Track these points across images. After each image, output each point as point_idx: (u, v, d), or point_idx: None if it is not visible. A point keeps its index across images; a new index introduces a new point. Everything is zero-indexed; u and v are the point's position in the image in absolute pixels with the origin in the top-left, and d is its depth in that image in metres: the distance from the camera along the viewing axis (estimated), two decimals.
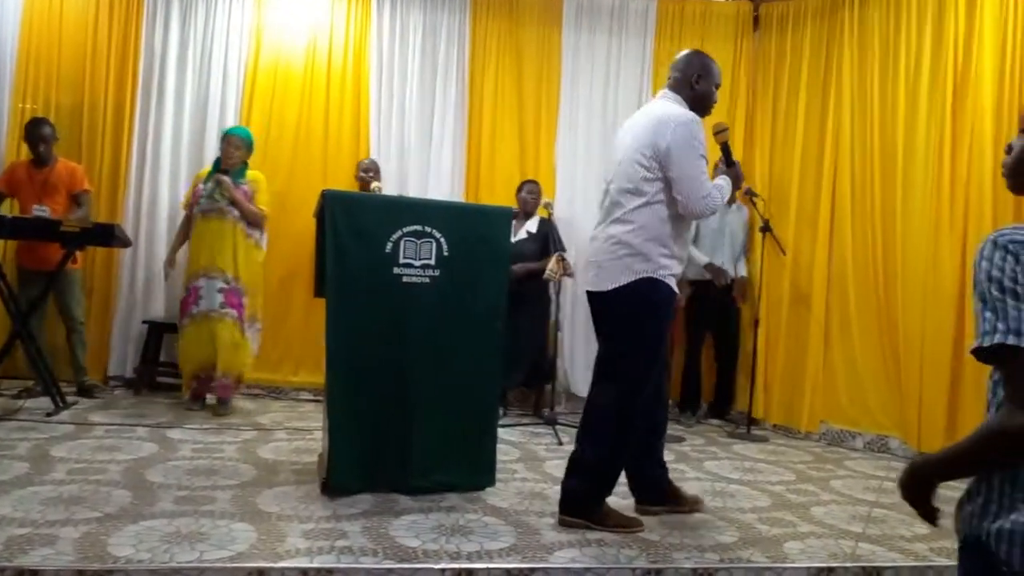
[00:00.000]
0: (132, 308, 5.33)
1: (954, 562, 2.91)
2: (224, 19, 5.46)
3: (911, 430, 4.66)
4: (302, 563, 2.42)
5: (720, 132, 3.20)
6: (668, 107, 2.99)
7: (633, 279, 2.89)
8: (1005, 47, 4.43)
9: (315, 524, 2.79)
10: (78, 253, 4.65)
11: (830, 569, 2.71)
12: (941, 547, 3.00)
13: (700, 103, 3.06)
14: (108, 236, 4.42)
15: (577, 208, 5.74)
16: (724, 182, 3.05)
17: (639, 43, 5.89)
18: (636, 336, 2.93)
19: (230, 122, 5.35)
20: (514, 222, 5.27)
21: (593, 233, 3.11)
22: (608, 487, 3.02)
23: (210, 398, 4.79)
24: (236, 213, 4.63)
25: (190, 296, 4.64)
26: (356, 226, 3.15)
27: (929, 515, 1.37)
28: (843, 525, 3.24)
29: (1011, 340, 1.18)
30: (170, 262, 4.88)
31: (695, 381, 5.58)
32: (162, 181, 5.38)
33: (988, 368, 1.27)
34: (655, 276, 2.90)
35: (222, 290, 4.60)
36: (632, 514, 3.09)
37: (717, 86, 3.11)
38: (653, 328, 2.95)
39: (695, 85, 3.05)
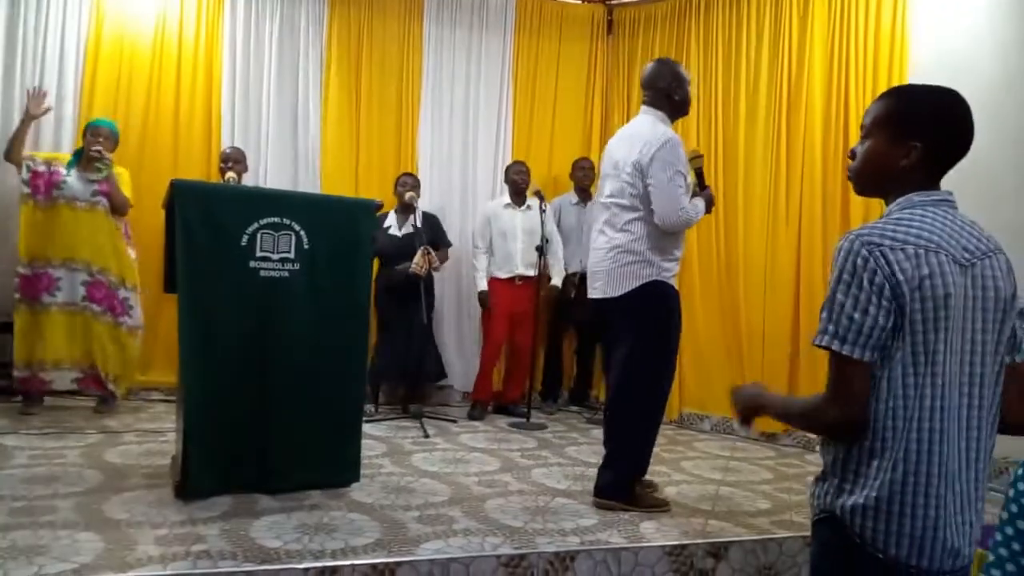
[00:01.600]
0: None
1: (792, 533, 3.17)
2: None
3: None
4: (155, 571, 2.32)
5: (695, 159, 3.43)
6: (650, 126, 3.25)
7: (640, 283, 3.19)
8: (832, 56, 4.81)
9: (169, 529, 2.67)
10: None
11: (683, 546, 2.87)
12: (781, 520, 3.24)
13: (680, 108, 3.35)
14: None
15: (441, 202, 5.75)
16: (699, 202, 3.32)
17: (499, 39, 5.96)
18: (651, 335, 3.22)
19: (69, 110, 4.99)
20: (395, 215, 5.22)
21: (594, 244, 3.36)
22: (641, 472, 3.33)
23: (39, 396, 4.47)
24: (105, 204, 4.48)
25: (41, 281, 4.36)
26: (208, 218, 3.03)
27: (747, 422, 1.66)
28: (693, 504, 3.44)
29: (835, 346, 1.34)
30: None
31: (557, 371, 5.77)
32: None
33: (823, 353, 1.41)
34: (659, 279, 3.21)
35: (85, 283, 4.43)
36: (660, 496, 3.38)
37: (689, 84, 3.39)
38: (665, 326, 3.25)
39: (673, 96, 3.30)
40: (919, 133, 1.42)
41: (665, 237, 3.23)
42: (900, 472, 1.33)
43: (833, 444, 1.43)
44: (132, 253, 4.65)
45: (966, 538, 1.36)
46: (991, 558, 1.75)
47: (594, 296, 3.32)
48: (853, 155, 1.54)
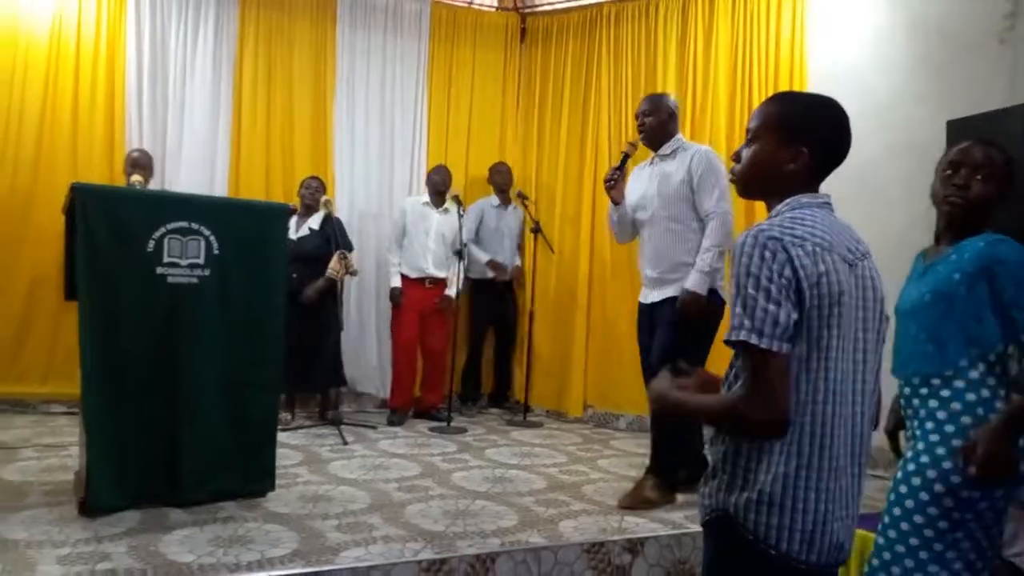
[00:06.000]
0: None
1: None
2: None
3: None
4: None
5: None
6: None
7: None
8: (736, 67, 5.00)
9: (72, 548, 2.56)
10: None
11: (601, 543, 2.92)
12: (694, 515, 3.33)
13: None
14: None
15: (357, 207, 5.69)
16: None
17: (414, 45, 5.93)
18: None
19: None
20: (296, 218, 5.11)
21: None
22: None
23: None
24: None
25: None
26: (112, 223, 2.93)
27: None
28: (611, 501, 3.50)
29: (754, 339, 1.31)
30: None
31: (476, 373, 5.77)
32: None
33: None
34: None
35: None
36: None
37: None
38: None
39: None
40: (806, 138, 1.44)
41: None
42: (793, 466, 1.33)
43: (722, 440, 1.43)
44: None
45: (848, 532, 1.39)
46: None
47: None
48: (738, 157, 1.54)
